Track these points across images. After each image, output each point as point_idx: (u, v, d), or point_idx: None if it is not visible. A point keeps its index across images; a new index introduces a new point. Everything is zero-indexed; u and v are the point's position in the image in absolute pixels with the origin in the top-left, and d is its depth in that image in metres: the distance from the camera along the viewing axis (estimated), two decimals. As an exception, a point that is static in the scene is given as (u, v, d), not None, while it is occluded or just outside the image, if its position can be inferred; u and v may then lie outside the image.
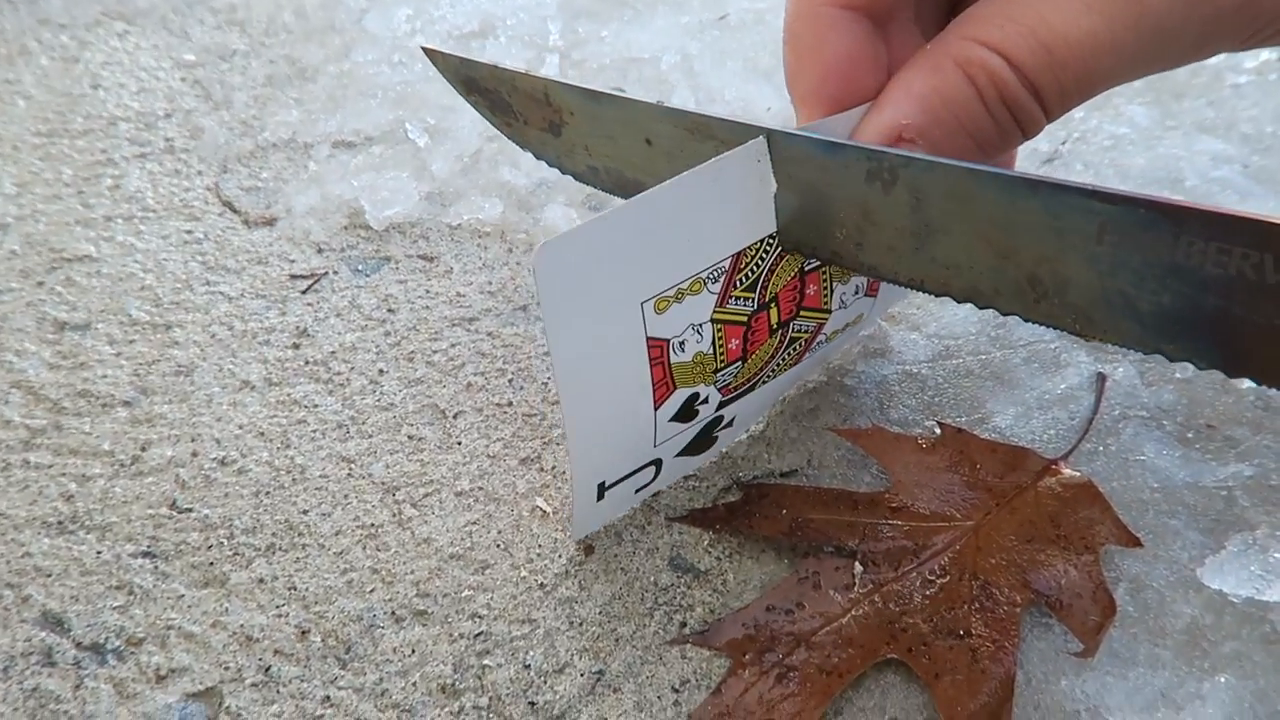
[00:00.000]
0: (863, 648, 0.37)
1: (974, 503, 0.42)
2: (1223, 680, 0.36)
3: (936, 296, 0.35)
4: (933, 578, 0.39)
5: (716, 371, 0.39)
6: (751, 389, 0.42)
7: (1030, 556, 0.40)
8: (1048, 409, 0.47)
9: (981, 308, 0.34)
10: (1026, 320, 0.33)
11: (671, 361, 0.37)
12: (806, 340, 0.43)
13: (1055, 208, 0.29)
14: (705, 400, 0.40)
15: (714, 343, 0.38)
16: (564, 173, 0.48)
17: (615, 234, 0.33)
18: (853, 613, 0.38)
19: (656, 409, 0.38)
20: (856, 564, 0.40)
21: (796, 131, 0.35)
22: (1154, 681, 0.36)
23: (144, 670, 0.38)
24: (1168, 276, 0.28)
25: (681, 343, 0.37)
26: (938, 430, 0.45)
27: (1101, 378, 0.48)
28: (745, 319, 0.39)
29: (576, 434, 0.36)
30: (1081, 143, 0.64)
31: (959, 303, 0.34)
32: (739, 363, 0.40)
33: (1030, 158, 0.63)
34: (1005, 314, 0.33)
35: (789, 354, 0.42)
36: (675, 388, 0.38)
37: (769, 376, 0.43)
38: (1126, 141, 0.63)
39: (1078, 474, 0.43)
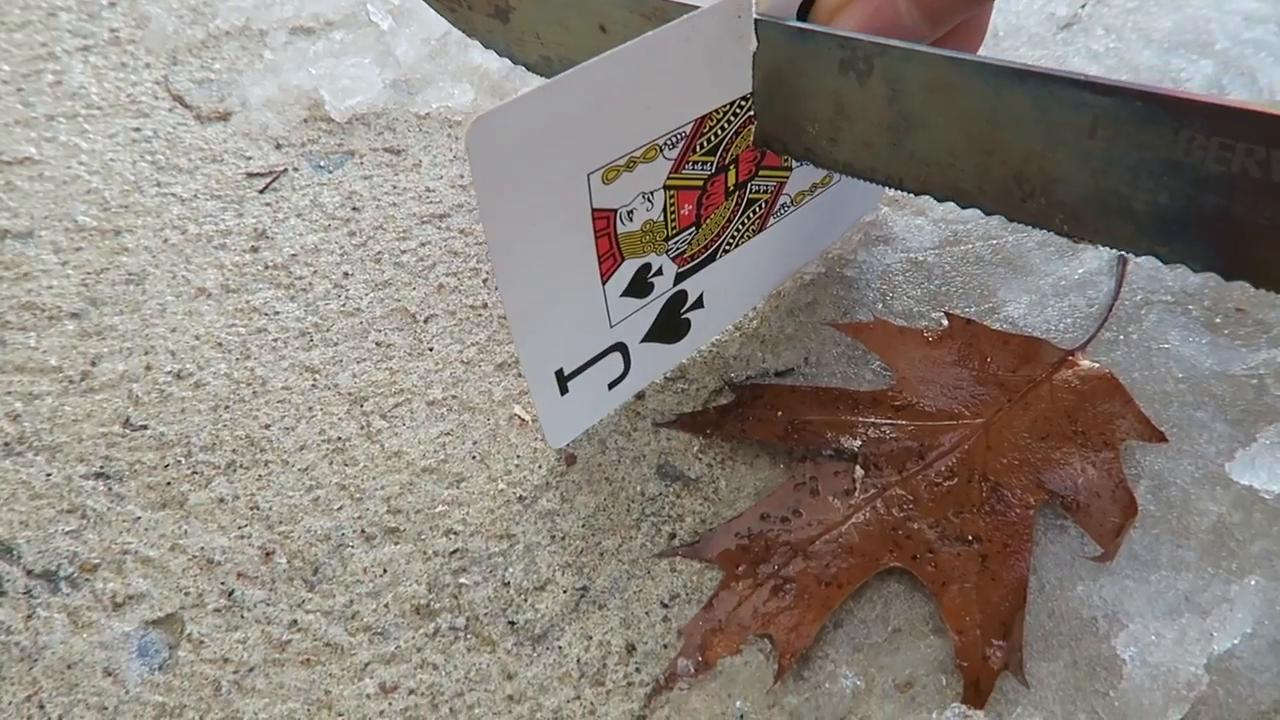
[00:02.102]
0: (864, 556, 0.35)
1: (984, 399, 0.39)
2: (1252, 582, 0.33)
3: (917, 195, 0.33)
4: (939, 480, 0.37)
5: (668, 239, 0.37)
6: (711, 259, 0.39)
7: (1045, 455, 0.37)
8: (1064, 296, 0.44)
9: (964, 207, 0.31)
10: (1012, 221, 0.31)
11: (618, 232, 0.34)
12: (768, 202, 0.40)
13: (1044, 100, 0.27)
14: (659, 271, 0.37)
15: (665, 210, 0.35)
16: (515, 63, 0.44)
17: (564, 102, 0.30)
18: (853, 519, 0.36)
19: (604, 283, 0.35)
20: (857, 467, 0.37)
21: (763, 16, 0.33)
22: (1177, 585, 0.34)
23: (99, 598, 0.36)
24: (1165, 174, 0.26)
25: (630, 212, 0.34)
26: (945, 322, 0.42)
27: (1122, 260, 0.45)
28: (701, 183, 0.36)
29: (518, 315, 0.33)
30: (1102, 4, 0.58)
31: (940, 202, 0.32)
32: (692, 229, 0.37)
33: (1047, 23, 0.58)
34: (989, 214, 0.31)
35: (748, 218, 0.40)
36: (623, 259, 0.35)
37: (730, 244, 0.40)
38: (1151, 2, 0.58)
39: (1096, 365, 0.40)
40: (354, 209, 0.51)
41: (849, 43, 0.31)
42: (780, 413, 0.39)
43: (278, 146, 0.54)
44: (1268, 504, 0.35)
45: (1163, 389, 0.40)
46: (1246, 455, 0.37)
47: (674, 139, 0.34)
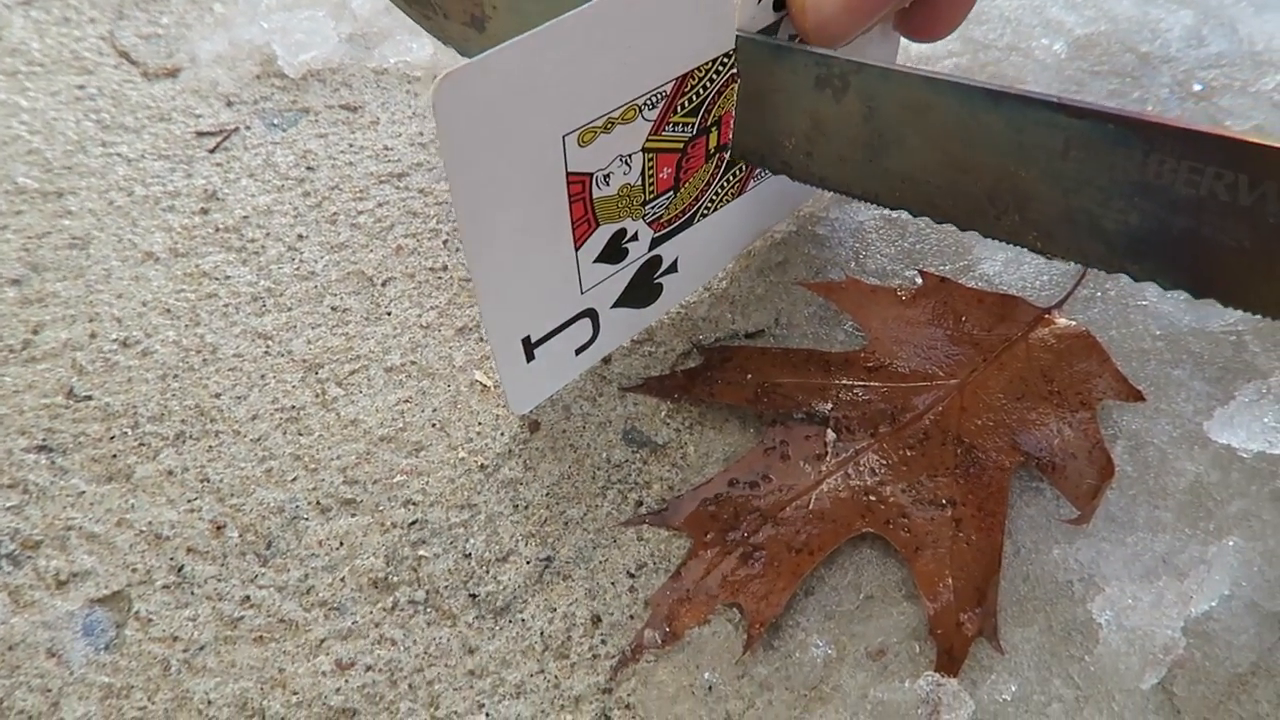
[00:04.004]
0: (835, 522, 0.34)
1: (959, 359, 0.38)
2: (1230, 543, 0.33)
3: (892, 210, 0.33)
4: (913, 443, 0.36)
5: (645, 204, 0.35)
6: (689, 223, 0.38)
7: (1020, 416, 0.36)
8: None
9: (939, 223, 0.32)
10: (986, 237, 0.32)
11: (594, 197, 0.33)
12: (749, 166, 0.39)
13: (1018, 121, 0.28)
14: (634, 237, 0.36)
15: (644, 173, 0.34)
16: None
17: (537, 60, 0.28)
18: (824, 484, 0.35)
19: (577, 249, 0.34)
20: (829, 431, 0.36)
21: (741, 33, 0.33)
22: (1154, 546, 0.33)
23: (42, 576, 0.34)
24: (1136, 195, 0.27)
25: (606, 176, 0.33)
26: (919, 280, 0.41)
27: (1100, 216, 0.44)
28: (681, 145, 0.34)
29: (485, 283, 0.32)
30: (1081, -46, 0.57)
31: (915, 217, 0.33)
32: (670, 193, 0.36)
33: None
34: (964, 230, 0.32)
35: (728, 181, 0.38)
36: (598, 225, 0.34)
37: (708, 209, 0.38)
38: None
39: (1073, 323, 0.39)
40: (308, 169, 0.49)
41: (825, 60, 0.31)
42: (750, 375, 0.38)
43: (228, 104, 0.52)
44: (1246, 463, 0.35)
45: (1140, 347, 0.39)
46: (1225, 413, 0.36)
47: (654, 99, 0.32)
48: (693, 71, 0.32)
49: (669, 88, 0.32)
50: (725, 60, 0.33)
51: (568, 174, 0.31)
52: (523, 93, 0.28)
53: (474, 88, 0.27)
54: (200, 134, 0.51)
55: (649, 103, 0.32)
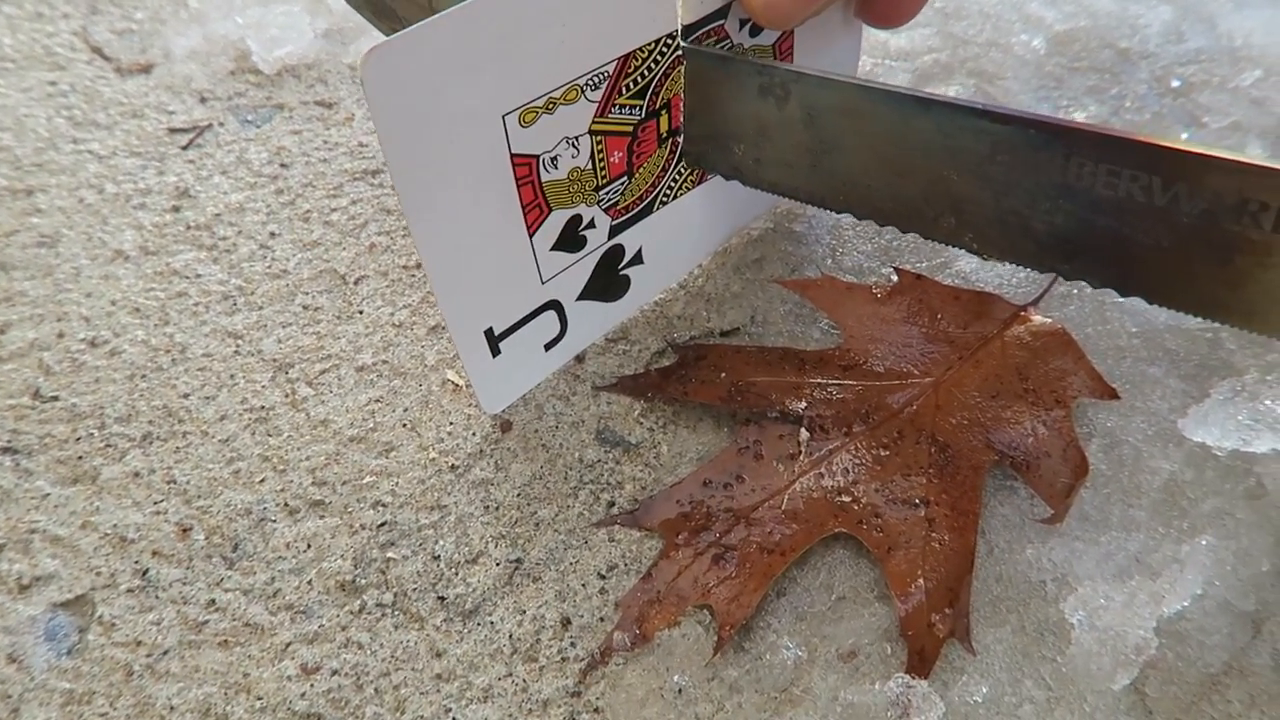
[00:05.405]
0: (808, 523, 0.34)
1: (934, 357, 0.37)
2: (1203, 542, 0.32)
3: (838, 214, 0.34)
4: (887, 442, 0.35)
5: (599, 189, 0.35)
6: (648, 211, 0.38)
7: (995, 414, 0.36)
8: (1018, 250, 0.42)
9: (882, 225, 0.33)
10: (927, 239, 0.33)
11: (542, 180, 0.33)
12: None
13: (947, 127, 0.29)
14: (591, 224, 0.35)
15: (594, 157, 0.34)
16: None
17: (468, 34, 0.27)
18: (797, 484, 0.34)
19: (531, 235, 0.34)
20: (803, 430, 0.36)
21: (689, 45, 0.34)
22: (1128, 546, 0.33)
23: (4, 579, 0.34)
24: (1060, 197, 0.28)
25: (553, 158, 0.32)
26: (895, 277, 0.41)
27: (1078, 213, 0.43)
28: (630, 129, 0.34)
29: (437, 268, 0.31)
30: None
31: (860, 220, 0.34)
32: (624, 178, 0.35)
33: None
34: (905, 232, 0.33)
35: (685, 168, 0.38)
36: (550, 210, 0.34)
37: (666, 196, 0.38)
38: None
39: (1049, 320, 0.38)
40: (282, 165, 0.48)
41: (767, 69, 0.32)
42: (724, 374, 0.38)
43: (202, 100, 0.52)
44: (1220, 461, 0.35)
45: (1116, 344, 0.38)
46: (1199, 411, 0.36)
47: (596, 79, 0.32)
48: (635, 52, 0.32)
49: (611, 68, 0.32)
50: (669, 41, 0.33)
51: (512, 155, 0.31)
52: (457, 69, 0.28)
53: (405, 62, 0.27)
54: (173, 130, 0.50)
55: (591, 83, 0.32)
